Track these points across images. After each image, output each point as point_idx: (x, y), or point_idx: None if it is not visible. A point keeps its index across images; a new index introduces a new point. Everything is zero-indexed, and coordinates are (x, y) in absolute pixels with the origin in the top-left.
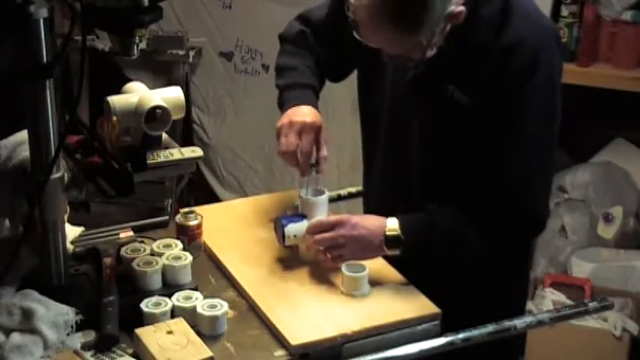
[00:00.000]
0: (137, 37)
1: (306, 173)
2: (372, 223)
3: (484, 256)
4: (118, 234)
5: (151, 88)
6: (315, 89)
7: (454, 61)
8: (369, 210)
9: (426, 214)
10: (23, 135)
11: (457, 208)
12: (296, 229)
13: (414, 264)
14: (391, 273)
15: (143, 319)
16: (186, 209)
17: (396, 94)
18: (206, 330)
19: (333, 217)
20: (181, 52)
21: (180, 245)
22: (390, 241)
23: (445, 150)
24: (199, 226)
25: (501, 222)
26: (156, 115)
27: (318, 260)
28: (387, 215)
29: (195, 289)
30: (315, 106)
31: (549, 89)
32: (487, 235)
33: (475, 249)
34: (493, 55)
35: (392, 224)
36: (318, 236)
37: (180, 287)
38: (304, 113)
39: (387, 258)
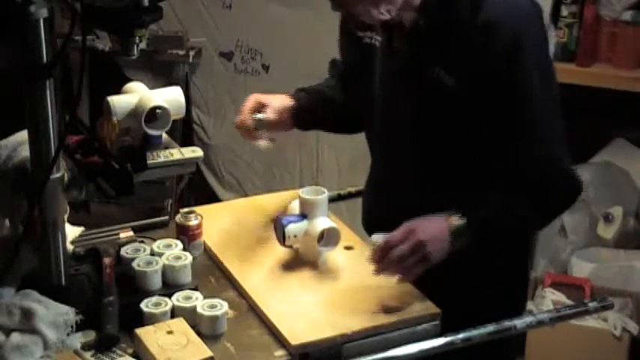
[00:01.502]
0: (137, 37)
1: (247, 134)
2: (432, 221)
3: (539, 226)
4: (118, 234)
5: (151, 88)
6: (305, 90)
7: (435, 40)
8: (368, 204)
9: (477, 201)
10: (23, 135)
11: (499, 187)
12: (296, 229)
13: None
14: None
15: (143, 319)
16: (186, 209)
17: (385, 85)
18: (206, 330)
19: (400, 231)
20: (181, 52)
21: (180, 245)
22: (457, 234)
23: (439, 135)
24: (199, 226)
25: (543, 188)
26: (156, 115)
27: (396, 279)
28: (384, 207)
29: (195, 289)
30: (291, 96)
31: (540, 50)
32: (536, 204)
33: (531, 219)
34: (473, 33)
35: (450, 215)
36: (397, 251)
37: (180, 287)
38: None
39: None
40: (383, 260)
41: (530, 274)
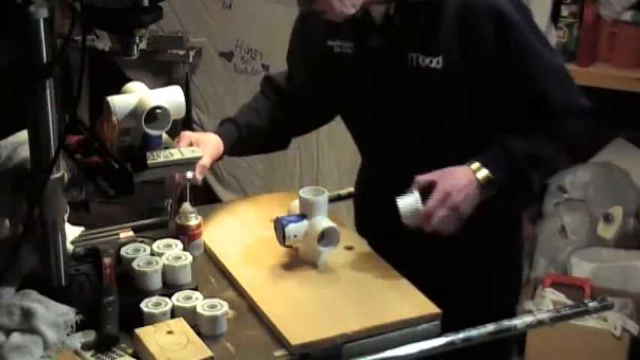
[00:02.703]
0: (137, 37)
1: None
2: (464, 176)
3: (566, 163)
4: (118, 234)
5: (151, 88)
6: (235, 122)
7: (408, 28)
8: (360, 204)
9: (499, 146)
10: (23, 135)
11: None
12: (296, 229)
13: (414, 263)
14: (391, 273)
15: (143, 319)
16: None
17: (370, 87)
18: (206, 330)
19: (436, 197)
20: (181, 52)
21: (180, 245)
22: (484, 185)
23: (437, 120)
24: (199, 226)
25: (561, 124)
26: (156, 115)
27: (440, 232)
28: (380, 207)
29: (195, 289)
30: (220, 134)
31: (520, 9)
32: (556, 140)
33: (557, 157)
34: (447, 14)
35: (477, 167)
36: (436, 218)
37: (180, 287)
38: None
39: (387, 258)
40: (423, 224)
41: (522, 272)
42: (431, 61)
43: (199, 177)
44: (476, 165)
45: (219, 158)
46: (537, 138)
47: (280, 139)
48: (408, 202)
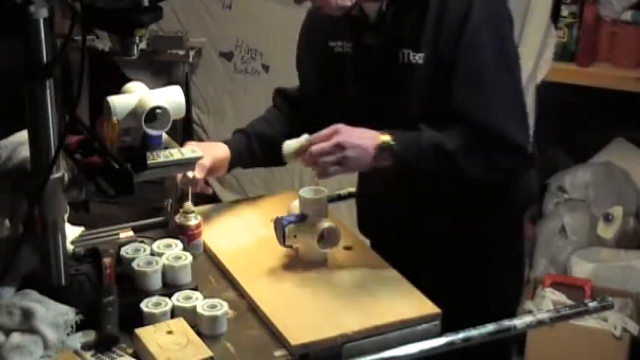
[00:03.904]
0: (137, 37)
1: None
2: (365, 132)
3: (472, 178)
4: (118, 234)
5: (151, 88)
6: (245, 132)
7: (401, 24)
8: (360, 206)
9: (417, 131)
10: (23, 135)
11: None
12: (296, 229)
13: (415, 263)
14: (391, 273)
15: (143, 319)
16: (185, 209)
17: (365, 85)
18: (206, 330)
19: (325, 130)
20: (181, 52)
21: (180, 245)
22: (383, 149)
23: (428, 117)
24: (199, 226)
25: (480, 146)
26: (156, 115)
27: (314, 170)
28: (377, 208)
29: (195, 289)
30: (228, 143)
31: (492, 12)
32: (471, 156)
33: (463, 167)
34: (433, 8)
35: (384, 134)
36: (316, 146)
37: (180, 287)
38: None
39: (388, 258)
40: (303, 155)
41: (525, 272)
42: (419, 58)
43: (199, 175)
44: (385, 134)
45: (229, 169)
46: (459, 145)
47: None
48: (294, 139)
